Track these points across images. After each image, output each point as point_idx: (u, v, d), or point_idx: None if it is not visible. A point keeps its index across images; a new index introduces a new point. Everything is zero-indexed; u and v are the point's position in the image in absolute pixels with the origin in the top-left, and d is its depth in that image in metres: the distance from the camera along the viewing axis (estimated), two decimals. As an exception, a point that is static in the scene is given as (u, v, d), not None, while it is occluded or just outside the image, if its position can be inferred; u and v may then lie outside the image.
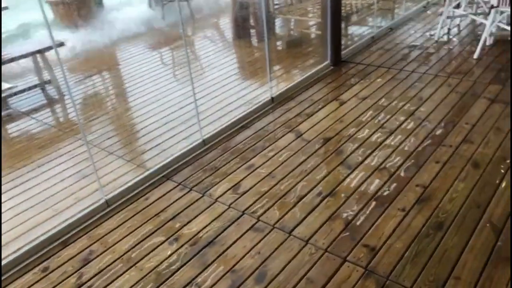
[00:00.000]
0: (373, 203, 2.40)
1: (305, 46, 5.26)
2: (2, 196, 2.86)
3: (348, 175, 2.66)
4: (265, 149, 3.03)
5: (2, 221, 2.60)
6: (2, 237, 2.46)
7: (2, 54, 4.22)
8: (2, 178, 3.04)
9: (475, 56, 4.07)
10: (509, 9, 3.90)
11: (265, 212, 2.43)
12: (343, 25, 4.66)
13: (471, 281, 1.87)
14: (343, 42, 4.30)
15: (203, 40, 5.75)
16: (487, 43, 4.25)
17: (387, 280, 1.92)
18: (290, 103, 3.64)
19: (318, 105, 3.55)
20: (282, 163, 2.85)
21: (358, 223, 2.27)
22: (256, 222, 2.36)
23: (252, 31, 5.67)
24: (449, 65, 3.99)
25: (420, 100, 3.44)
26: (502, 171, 2.53)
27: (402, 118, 3.21)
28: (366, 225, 2.25)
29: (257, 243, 2.22)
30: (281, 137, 3.16)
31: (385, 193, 2.46)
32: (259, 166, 2.84)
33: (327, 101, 3.60)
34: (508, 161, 2.60)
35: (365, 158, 2.79)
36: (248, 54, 5.24)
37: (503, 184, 2.42)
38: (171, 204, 2.59)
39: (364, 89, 3.73)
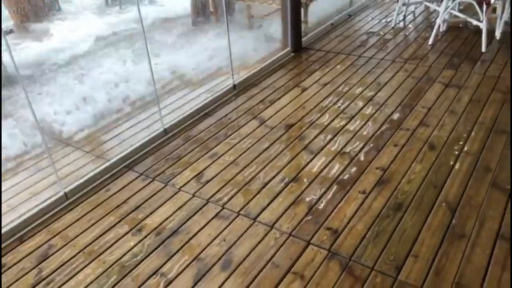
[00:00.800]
0: (335, 186, 2.45)
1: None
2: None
3: (311, 160, 2.69)
4: (228, 136, 3.02)
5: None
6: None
7: None
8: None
9: (430, 42, 4.20)
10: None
11: (229, 199, 2.43)
12: (302, 12, 4.68)
13: (429, 258, 1.95)
14: (302, 28, 4.32)
15: (162, 27, 5.62)
16: (441, 30, 4.40)
17: (350, 260, 1.98)
18: (253, 90, 3.63)
19: (281, 92, 3.56)
20: (246, 150, 2.85)
21: (321, 206, 2.31)
22: (221, 210, 2.36)
23: (211, 17, 5.59)
24: (405, 51, 4.10)
25: (378, 85, 3.52)
26: (456, 152, 2.64)
27: (361, 103, 3.27)
28: (328, 209, 2.29)
29: (222, 231, 2.22)
30: (244, 124, 3.15)
31: (346, 177, 2.52)
32: (223, 154, 2.83)
33: (289, 88, 3.62)
34: (461, 142, 2.72)
35: (327, 143, 2.84)
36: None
37: (457, 165, 2.53)
38: (134, 194, 2.54)
39: (324, 75, 3.77)
